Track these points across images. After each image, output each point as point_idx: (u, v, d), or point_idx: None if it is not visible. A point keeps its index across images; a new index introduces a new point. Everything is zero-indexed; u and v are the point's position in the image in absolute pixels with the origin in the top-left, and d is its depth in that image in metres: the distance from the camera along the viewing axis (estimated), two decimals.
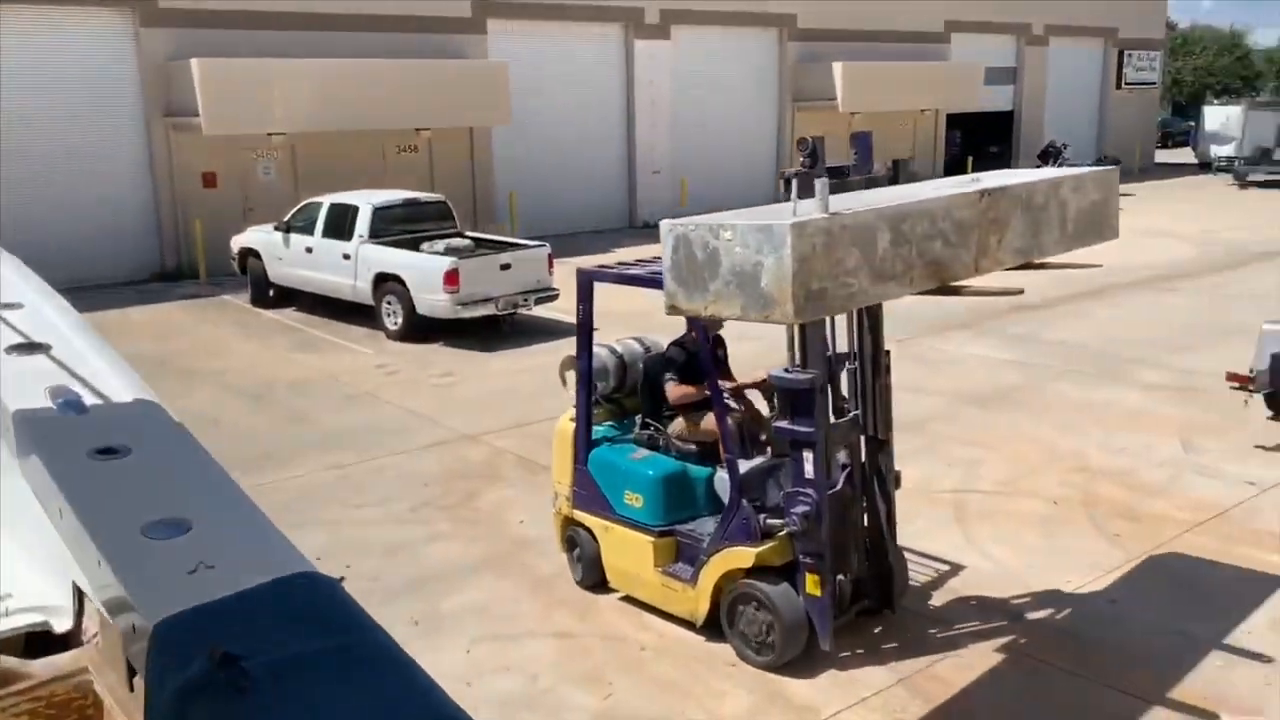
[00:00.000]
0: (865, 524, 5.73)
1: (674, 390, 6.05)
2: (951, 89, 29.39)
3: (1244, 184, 31.76)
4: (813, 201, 4.14)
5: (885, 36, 28.20)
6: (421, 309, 13.12)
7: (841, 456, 5.57)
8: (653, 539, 5.85)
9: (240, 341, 13.71)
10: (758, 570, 5.42)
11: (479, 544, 7.19)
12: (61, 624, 2.02)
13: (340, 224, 14.27)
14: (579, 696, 5.28)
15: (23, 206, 16.09)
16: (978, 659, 5.55)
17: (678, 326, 6.03)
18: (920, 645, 5.65)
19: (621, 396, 6.64)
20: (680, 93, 24.91)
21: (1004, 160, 32.37)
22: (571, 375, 6.38)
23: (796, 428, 5.14)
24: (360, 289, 13.93)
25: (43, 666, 1.89)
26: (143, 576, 1.59)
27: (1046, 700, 5.18)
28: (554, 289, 13.47)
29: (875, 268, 4.16)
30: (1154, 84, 39.66)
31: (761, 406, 6.25)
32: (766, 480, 5.65)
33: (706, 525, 5.74)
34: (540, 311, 13.78)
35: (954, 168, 29.92)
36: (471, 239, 14.50)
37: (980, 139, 33.01)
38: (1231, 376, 9.04)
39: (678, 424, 6.13)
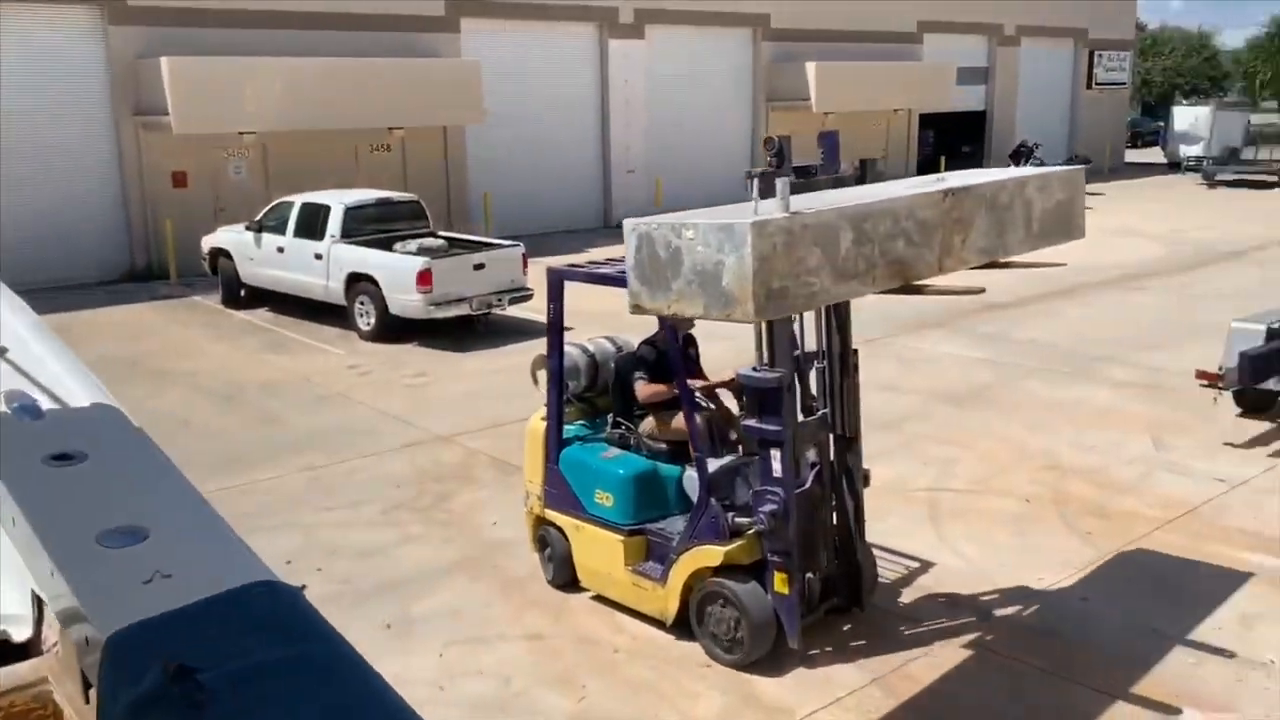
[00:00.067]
0: (834, 522, 5.74)
1: (643, 389, 6.06)
2: (924, 89, 29.55)
3: (1212, 183, 32.12)
4: (774, 201, 4.14)
5: (858, 37, 28.32)
6: (394, 309, 13.05)
7: (811, 455, 5.58)
8: (623, 538, 5.85)
9: (211, 342, 13.58)
10: (726, 569, 5.43)
11: (452, 546, 7.14)
12: (21, 633, 1.97)
13: (312, 224, 14.16)
14: (552, 699, 5.25)
15: None
16: (951, 658, 5.57)
17: (650, 325, 6.02)
18: (893, 644, 5.66)
19: (593, 395, 6.64)
20: (655, 92, 24.91)
21: (976, 160, 32.58)
22: (543, 374, 6.37)
23: (764, 426, 5.15)
24: (332, 289, 13.83)
25: (3, 676, 1.85)
26: (96, 586, 1.56)
27: (1020, 699, 5.20)
28: (528, 289, 13.42)
29: (837, 267, 4.17)
30: (1124, 84, 40.03)
31: (733, 405, 6.26)
32: (735, 479, 5.66)
33: (676, 524, 5.74)
34: (514, 311, 13.73)
35: (927, 167, 30.05)
36: (445, 239, 14.43)
37: (953, 139, 33.21)
38: (1201, 375, 9.13)
39: (648, 423, 6.14)
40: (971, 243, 4.87)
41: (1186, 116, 37.47)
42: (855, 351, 5.70)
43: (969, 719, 5.09)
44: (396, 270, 12.99)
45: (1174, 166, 36.15)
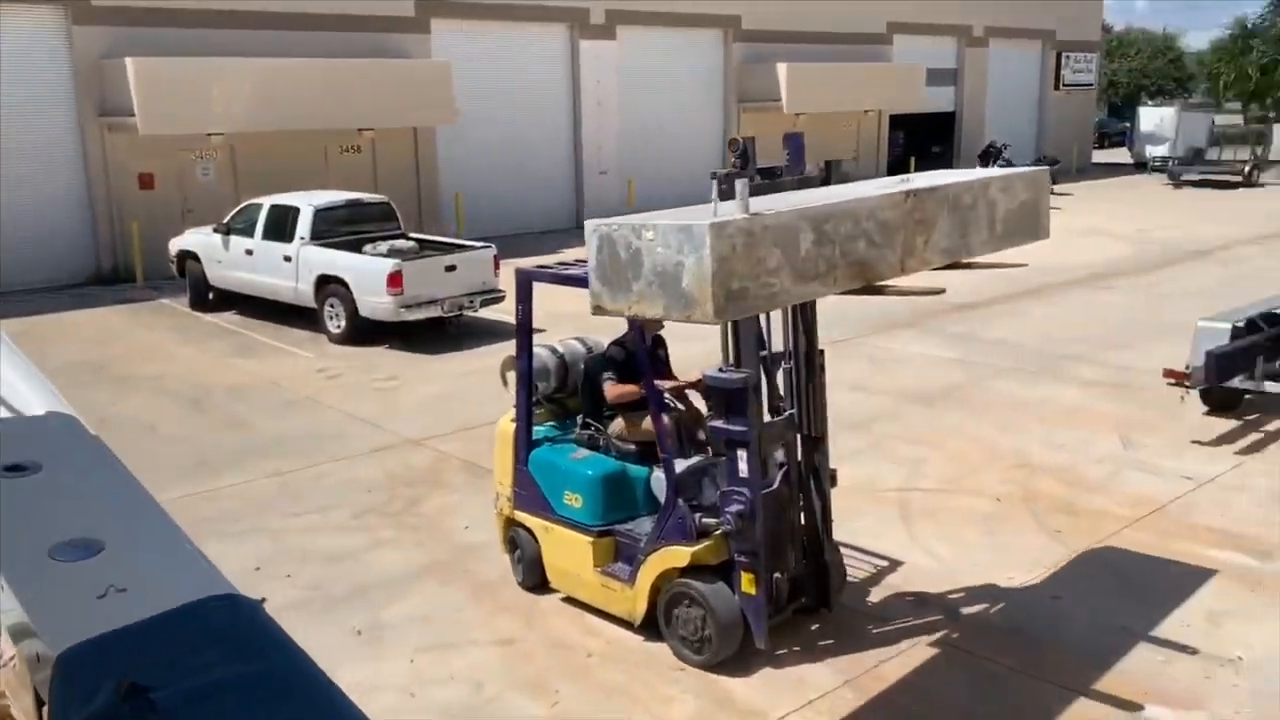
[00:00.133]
0: (802, 522, 5.75)
1: (612, 389, 6.06)
2: (894, 90, 29.71)
3: (1178, 183, 32.50)
4: (734, 202, 4.14)
5: (829, 38, 28.45)
6: (364, 312, 12.96)
7: (779, 456, 5.59)
8: (592, 539, 5.84)
9: (178, 346, 13.43)
10: (694, 569, 5.43)
11: (422, 551, 7.09)
12: None
13: (281, 226, 14.04)
14: (525, 705, 5.22)
15: None
16: (923, 658, 5.58)
17: (623, 326, 6.01)
18: (865, 645, 5.67)
19: (563, 397, 6.63)
20: (626, 93, 24.91)
21: (946, 160, 32.81)
22: (513, 376, 6.35)
23: (731, 427, 5.16)
24: (302, 292, 13.72)
25: None
26: (48, 602, 1.51)
27: (994, 699, 5.21)
28: (500, 290, 13.37)
29: (798, 268, 4.17)
30: (1091, 85, 40.43)
31: (702, 406, 6.25)
32: (702, 480, 5.66)
33: (645, 525, 5.74)
34: (486, 313, 13.68)
35: (897, 168, 30.24)
36: (415, 240, 14.35)
37: (923, 139, 33.43)
38: (1168, 373, 9.21)
39: (617, 424, 6.14)
40: (934, 243, 4.88)
41: (1152, 117, 37.91)
42: (822, 352, 5.71)
43: (941, 719, 5.10)
44: (366, 272, 12.90)
45: (1140, 167, 36.56)
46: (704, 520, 5.42)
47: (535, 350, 6.38)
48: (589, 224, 4.28)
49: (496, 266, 13.55)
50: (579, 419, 6.34)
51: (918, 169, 27.23)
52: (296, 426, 9.92)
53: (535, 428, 6.31)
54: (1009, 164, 24.76)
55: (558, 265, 6.12)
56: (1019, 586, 6.38)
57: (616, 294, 4.18)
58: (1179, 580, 6.39)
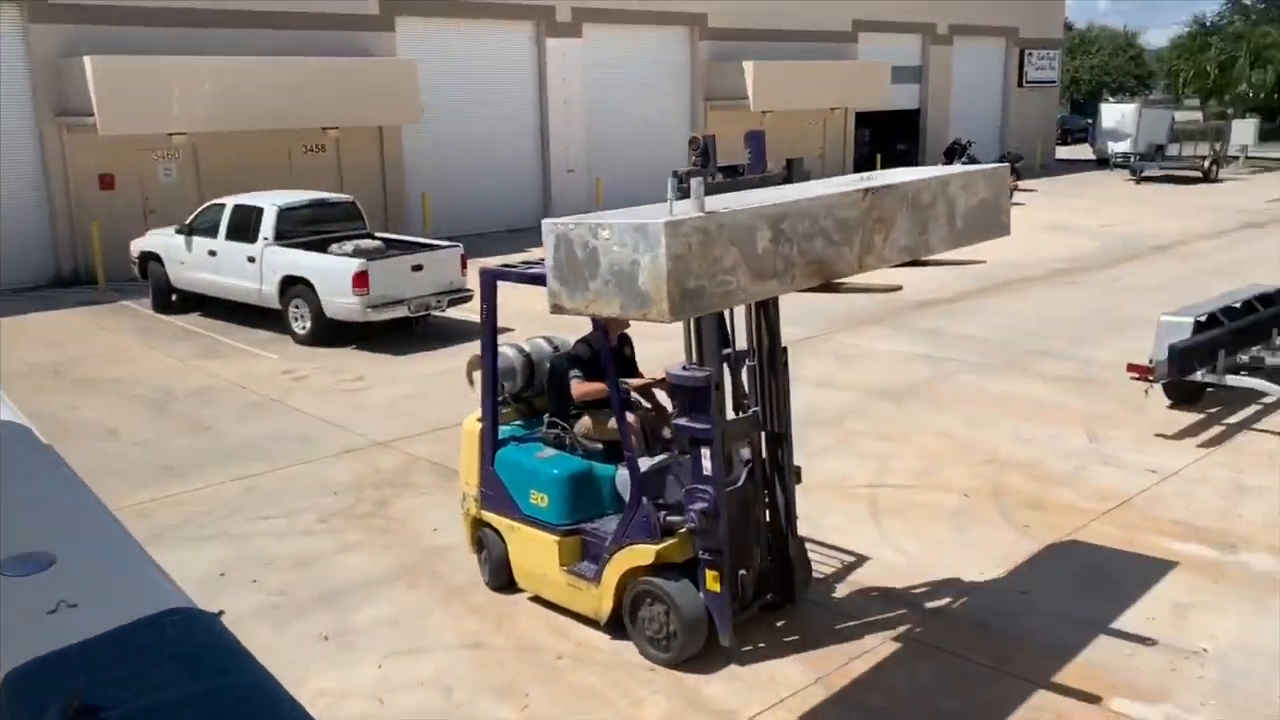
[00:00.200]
0: (767, 519, 5.76)
1: (578, 388, 6.05)
2: (860, 88, 29.85)
3: (1139, 179, 32.90)
4: (690, 201, 4.14)
5: (795, 36, 28.53)
6: (330, 312, 12.84)
7: (745, 453, 5.60)
8: (558, 538, 5.83)
9: (141, 348, 13.25)
10: (659, 567, 5.43)
11: (391, 554, 7.02)
12: None
13: (245, 226, 13.89)
14: (495, 709, 5.18)
15: None
16: (895, 655, 5.60)
17: (589, 325, 5.98)
18: (835, 642, 5.68)
19: (530, 396, 6.61)
20: (593, 91, 24.85)
21: (911, 158, 33.03)
22: (479, 375, 6.31)
23: (694, 425, 5.16)
24: (266, 293, 13.57)
25: None
26: None
27: (963, 695, 5.23)
28: (467, 290, 13.29)
29: (755, 266, 4.17)
30: (1053, 82, 40.81)
31: (669, 404, 6.24)
32: (667, 478, 5.65)
33: (611, 524, 5.73)
34: (454, 313, 13.60)
35: (863, 165, 30.38)
36: (381, 240, 14.24)
37: (889, 137, 33.61)
38: (1132, 368, 9.29)
39: (584, 422, 6.13)
40: (893, 241, 4.89)
41: (1114, 114, 38.35)
42: (785, 349, 5.71)
43: (913, 716, 5.11)
44: (332, 273, 12.78)
45: (1103, 163, 36.98)
46: (669, 518, 5.42)
47: (501, 349, 6.36)
48: (546, 223, 4.27)
49: (464, 266, 13.48)
50: (545, 418, 6.32)
51: (883, 166, 27.42)
52: (262, 429, 9.81)
53: (502, 427, 6.28)
54: (974, 161, 24.95)
55: (522, 264, 6.08)
56: (988, 581, 6.41)
57: (574, 293, 4.17)
58: (1144, 573, 6.45)
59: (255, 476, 8.53)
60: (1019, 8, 36.94)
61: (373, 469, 8.65)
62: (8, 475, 1.95)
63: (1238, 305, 10.27)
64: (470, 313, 13.13)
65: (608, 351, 5.73)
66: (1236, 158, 36.49)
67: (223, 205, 14.37)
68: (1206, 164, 33.12)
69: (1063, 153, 42.84)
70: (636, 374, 6.36)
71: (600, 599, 5.69)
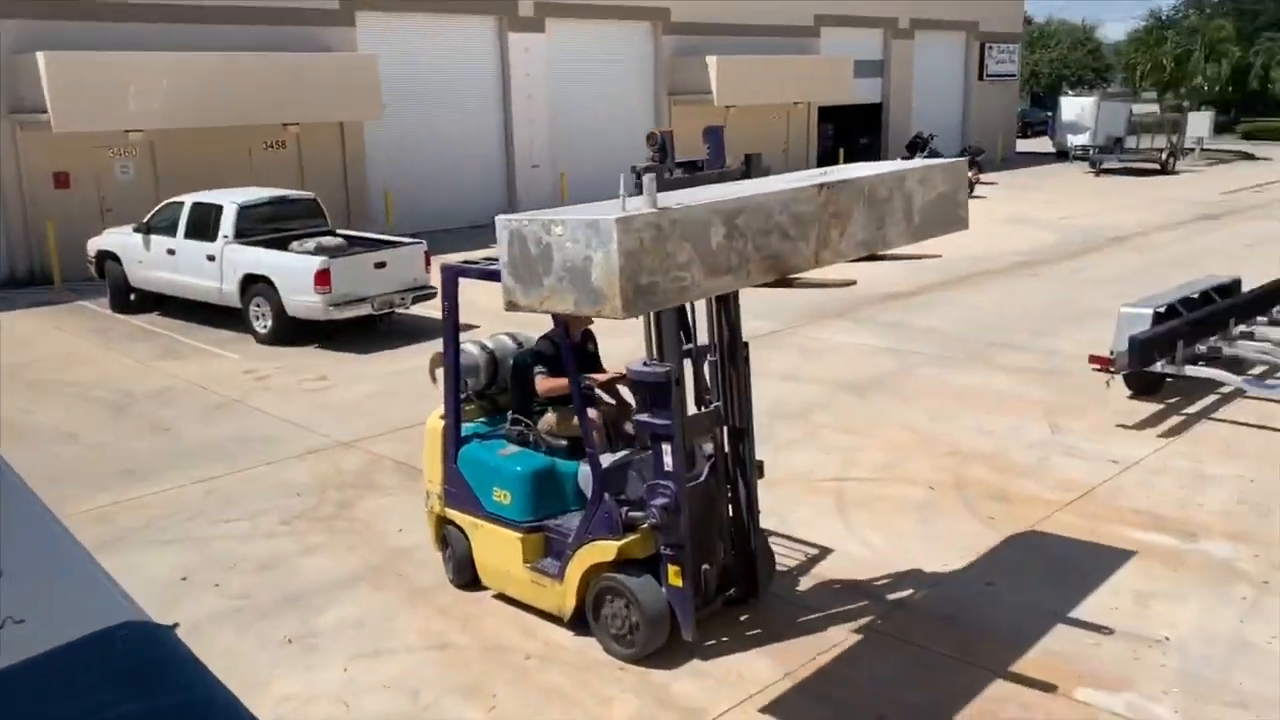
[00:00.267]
0: (730, 514, 5.77)
1: (543, 383, 6.03)
2: (822, 82, 29.96)
3: (1098, 171, 33.27)
4: (643, 196, 4.13)
5: (757, 31, 28.60)
6: (292, 311, 12.70)
7: (708, 448, 5.59)
8: (521, 535, 5.82)
9: (99, 349, 13.05)
10: (622, 563, 5.43)
11: (355, 555, 6.96)
12: None
13: (204, 224, 13.71)
14: (462, 710, 5.14)
15: None
16: (860, 648, 5.62)
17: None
18: (807, 638, 5.69)
19: (494, 393, 6.58)
20: (557, 86, 24.76)
21: (874, 152, 33.19)
22: (442, 373, 6.27)
23: (654, 421, 5.16)
24: (227, 292, 13.41)
25: None
26: None
27: (929, 687, 5.25)
28: (431, 287, 13.17)
29: (709, 262, 4.17)
30: (1013, 76, 41.18)
31: (633, 400, 6.24)
32: (629, 474, 5.64)
33: (574, 520, 5.73)
34: (418, 310, 13.50)
35: (827, 159, 30.52)
36: (344, 237, 14.09)
37: (852, 132, 33.76)
38: (1094, 359, 9.39)
39: (548, 419, 6.12)
40: (850, 236, 4.90)
41: (1073, 107, 38.75)
42: (746, 344, 5.71)
43: (878, 709, 5.12)
44: (293, 270, 12.64)
45: (1062, 155, 37.36)
46: (631, 514, 5.42)
47: (464, 346, 6.34)
48: (499, 220, 4.25)
49: (428, 262, 13.37)
50: (509, 415, 6.29)
51: (847, 161, 27.55)
52: (224, 430, 9.69)
53: (466, 425, 6.25)
54: (936, 154, 25.12)
55: (484, 260, 6.05)
56: (952, 573, 6.46)
57: (529, 289, 4.15)
58: (1107, 563, 6.52)
59: (217, 478, 8.42)
60: (979, 2, 37.24)
61: (336, 469, 8.57)
62: None
63: (1195, 296, 10.42)
64: (434, 310, 13.02)
65: (568, 347, 5.72)
66: (1192, 150, 37.00)
67: (181, 203, 14.17)
68: (1164, 156, 33.57)
69: (1023, 146, 43.25)
70: (600, 370, 6.35)
71: (563, 595, 5.68)
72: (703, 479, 5.50)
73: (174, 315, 14.47)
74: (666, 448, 5.16)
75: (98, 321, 14.68)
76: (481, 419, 6.44)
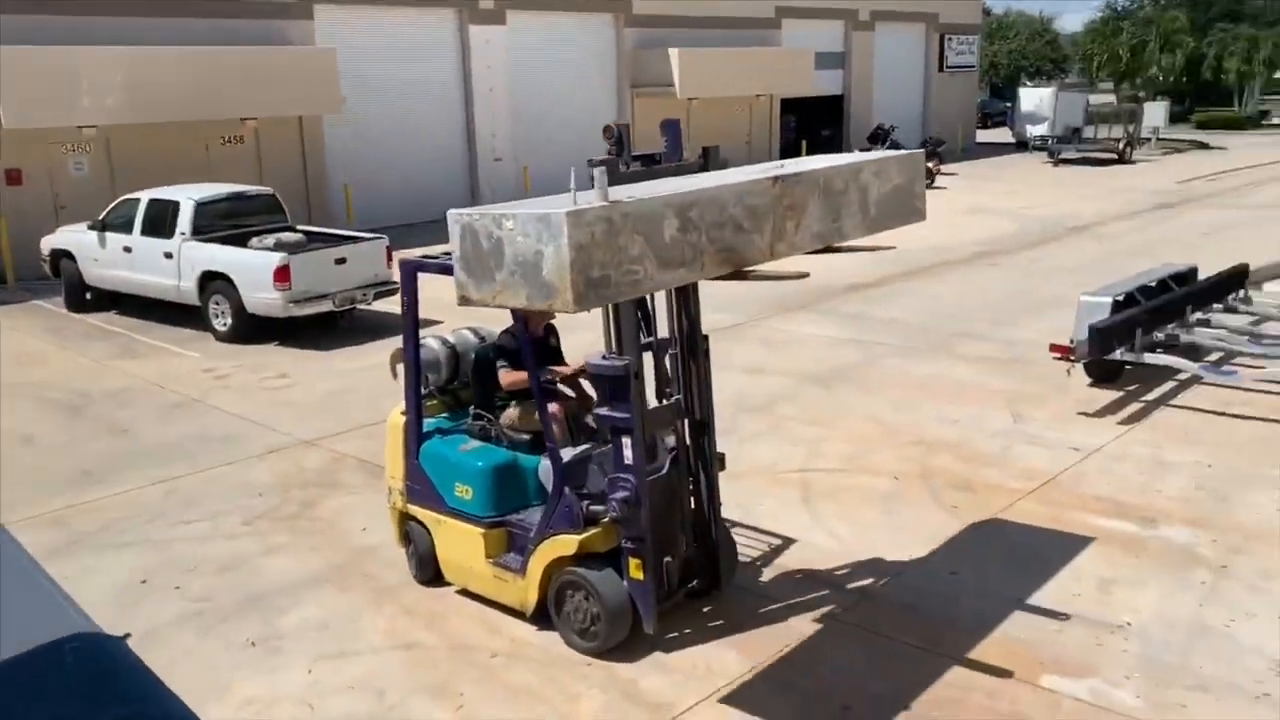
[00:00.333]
0: (692, 505, 5.77)
1: (506, 377, 6.00)
2: (784, 74, 30.04)
3: (1057, 161, 33.62)
4: (594, 190, 4.11)
5: (719, 23, 28.62)
6: (252, 308, 12.55)
7: (670, 440, 5.59)
8: (483, 530, 5.79)
9: (54, 349, 12.83)
10: (583, 557, 5.43)
11: (319, 555, 6.89)
12: None
13: (160, 221, 13.51)
14: (429, 710, 5.10)
15: None
16: (827, 639, 5.64)
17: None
18: (770, 628, 5.70)
19: (456, 388, 6.54)
20: (518, 79, 24.65)
21: (836, 144, 33.34)
22: (403, 368, 6.23)
23: (614, 414, 5.15)
24: (185, 289, 13.23)
25: None
26: None
27: (894, 677, 5.28)
28: (393, 282, 13.07)
29: (662, 255, 4.16)
30: (973, 67, 41.52)
31: (595, 394, 6.22)
32: (589, 467, 5.63)
33: (535, 515, 5.72)
34: (380, 306, 13.39)
35: (789, 151, 30.64)
36: (303, 233, 13.93)
37: (814, 123, 33.89)
38: (1054, 348, 9.48)
39: (509, 414, 6.09)
40: (805, 228, 4.90)
41: (1032, 98, 39.18)
42: (706, 337, 5.72)
43: (843, 699, 5.14)
44: (252, 267, 12.49)
45: (1021, 146, 37.76)
46: (592, 508, 5.42)
47: (425, 341, 6.30)
48: (451, 214, 4.23)
49: (389, 258, 13.26)
50: (471, 410, 6.26)
51: (809, 153, 27.66)
52: (183, 430, 9.56)
53: (428, 420, 6.21)
54: (897, 146, 25.28)
55: (443, 255, 6.01)
56: (917, 562, 6.50)
57: (481, 284, 4.14)
58: (1070, 550, 6.59)
59: (176, 479, 8.31)
60: None
61: (298, 468, 8.48)
62: None
63: (1153, 284, 10.56)
64: (396, 306, 12.92)
65: (527, 342, 5.70)
66: (1149, 139, 37.48)
67: (137, 200, 13.95)
68: (1121, 146, 33.98)
69: (983, 136, 43.61)
70: (562, 363, 6.32)
71: (526, 590, 5.67)
72: (664, 472, 5.50)
73: (131, 314, 14.27)
74: (626, 441, 5.16)
75: (53, 321, 14.44)
76: (444, 414, 6.41)
